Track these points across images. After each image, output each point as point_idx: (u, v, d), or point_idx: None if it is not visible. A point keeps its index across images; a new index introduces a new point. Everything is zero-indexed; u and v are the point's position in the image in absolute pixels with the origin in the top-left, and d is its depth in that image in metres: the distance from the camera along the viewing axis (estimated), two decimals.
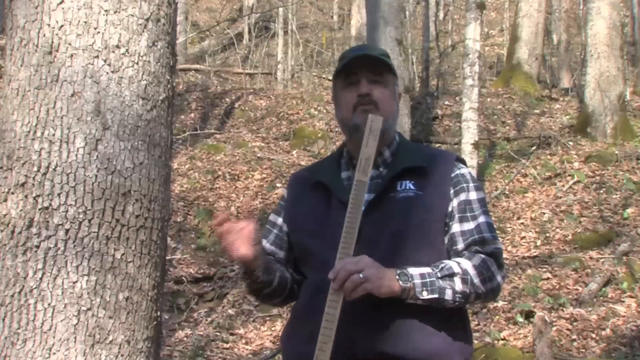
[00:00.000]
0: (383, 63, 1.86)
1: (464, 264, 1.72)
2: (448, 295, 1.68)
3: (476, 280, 1.71)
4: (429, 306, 1.70)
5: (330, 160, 1.97)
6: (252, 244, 1.76)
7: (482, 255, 1.75)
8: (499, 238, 1.88)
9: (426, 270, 1.69)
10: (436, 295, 1.67)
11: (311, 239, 1.85)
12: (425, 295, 1.66)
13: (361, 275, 1.60)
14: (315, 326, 1.64)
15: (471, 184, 1.83)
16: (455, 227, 1.79)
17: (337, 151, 1.98)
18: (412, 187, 1.80)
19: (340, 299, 1.61)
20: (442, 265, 1.71)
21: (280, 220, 1.98)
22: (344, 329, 1.64)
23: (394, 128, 1.92)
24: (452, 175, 1.83)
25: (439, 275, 1.68)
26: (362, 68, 1.83)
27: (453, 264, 1.71)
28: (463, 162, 1.91)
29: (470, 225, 1.78)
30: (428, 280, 1.67)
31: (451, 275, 1.69)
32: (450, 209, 1.80)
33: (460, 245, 1.78)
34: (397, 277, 1.65)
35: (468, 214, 1.79)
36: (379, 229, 1.76)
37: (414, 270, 1.67)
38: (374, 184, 1.83)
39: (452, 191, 1.81)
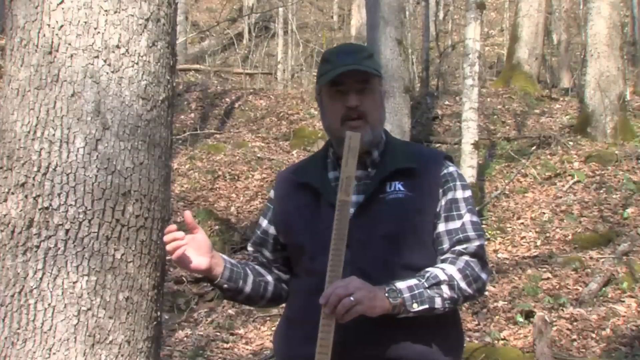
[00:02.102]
0: (372, 74, 1.83)
1: (449, 270, 1.73)
2: (438, 303, 1.69)
3: (462, 284, 1.72)
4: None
5: (316, 160, 1.95)
6: (204, 254, 1.82)
7: (466, 258, 1.76)
8: (493, 238, 1.90)
9: (413, 282, 1.69)
10: (426, 306, 1.67)
11: (302, 240, 1.84)
12: (415, 307, 1.66)
13: (352, 299, 1.59)
14: (311, 328, 1.64)
15: (458, 183, 1.84)
16: (441, 227, 1.80)
17: (322, 150, 1.96)
18: (401, 188, 1.80)
19: (332, 323, 1.61)
20: (428, 274, 1.71)
21: (265, 223, 1.98)
22: (338, 331, 1.64)
23: (382, 131, 1.91)
24: (441, 174, 1.84)
25: (426, 285, 1.69)
26: (349, 78, 1.80)
27: (438, 272, 1.72)
28: (451, 160, 1.91)
29: (456, 225, 1.79)
30: (417, 292, 1.67)
31: (438, 284, 1.70)
32: (438, 208, 1.81)
33: (446, 245, 1.79)
34: (386, 294, 1.65)
35: (454, 213, 1.80)
36: (369, 232, 1.76)
37: (401, 285, 1.67)
38: (363, 185, 1.83)
39: (440, 191, 1.82)
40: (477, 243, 1.78)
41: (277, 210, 1.95)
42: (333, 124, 1.84)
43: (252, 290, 1.91)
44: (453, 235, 1.79)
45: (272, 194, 2.01)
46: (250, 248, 2.00)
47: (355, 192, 1.80)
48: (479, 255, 1.78)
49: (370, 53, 1.91)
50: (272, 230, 1.96)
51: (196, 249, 1.84)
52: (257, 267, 1.97)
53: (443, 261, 1.77)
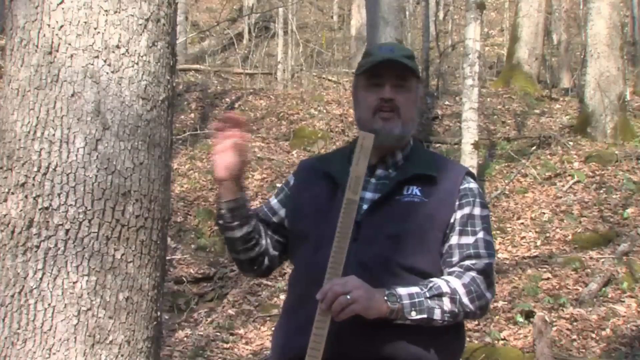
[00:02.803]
0: (409, 69, 1.84)
1: (453, 283, 1.72)
2: (437, 315, 1.68)
3: (465, 300, 1.71)
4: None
5: (341, 154, 1.95)
6: (230, 165, 1.81)
7: (472, 274, 1.74)
8: (495, 252, 1.88)
9: (414, 290, 1.68)
10: (425, 316, 1.67)
11: (308, 228, 1.84)
12: (413, 315, 1.66)
13: (348, 297, 1.60)
14: (305, 317, 1.66)
15: (478, 200, 1.83)
16: (454, 240, 1.79)
17: (349, 146, 1.97)
18: (418, 193, 1.80)
19: (328, 320, 1.62)
20: (431, 284, 1.70)
21: (275, 202, 1.99)
22: (334, 330, 1.64)
23: (411, 132, 1.90)
24: (461, 187, 1.83)
25: (427, 295, 1.68)
26: (388, 71, 1.82)
27: (442, 283, 1.71)
28: (473, 177, 1.90)
29: (469, 240, 1.78)
30: (417, 300, 1.66)
31: (440, 295, 1.69)
32: (452, 220, 1.80)
33: (455, 258, 1.78)
34: (385, 297, 1.64)
35: (469, 228, 1.79)
36: (377, 230, 1.77)
37: (402, 291, 1.67)
38: (381, 185, 1.84)
39: (457, 203, 1.81)
40: (486, 261, 1.77)
41: (293, 194, 1.95)
42: (364, 115, 1.85)
43: (243, 237, 1.89)
44: (464, 250, 1.77)
45: (290, 178, 2.01)
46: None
47: (372, 190, 1.82)
48: (487, 273, 1.77)
49: (412, 54, 1.91)
50: (282, 212, 1.97)
51: (230, 149, 1.82)
52: (260, 224, 1.95)
53: (450, 274, 1.76)
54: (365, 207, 1.79)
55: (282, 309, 1.96)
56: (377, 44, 1.99)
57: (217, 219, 1.90)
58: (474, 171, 7.58)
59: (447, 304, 1.69)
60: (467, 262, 1.76)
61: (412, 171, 1.83)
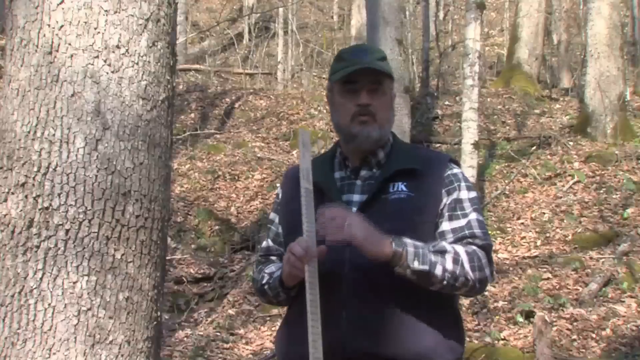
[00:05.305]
0: (384, 73, 1.85)
1: (457, 248, 1.75)
2: (438, 270, 1.70)
3: (467, 265, 1.73)
4: (419, 302, 1.72)
5: (323, 160, 1.97)
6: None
7: (474, 247, 1.77)
8: (493, 238, 1.91)
9: (419, 243, 1.71)
10: (426, 267, 1.68)
11: None
12: (416, 265, 1.68)
13: (347, 222, 1.66)
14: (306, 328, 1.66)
15: (463, 184, 1.85)
16: (445, 225, 1.81)
17: (330, 150, 1.99)
18: (404, 188, 1.81)
19: (316, 272, 1.67)
20: (435, 243, 1.74)
21: (277, 219, 2.00)
22: (335, 329, 1.65)
23: (389, 132, 1.93)
24: (445, 175, 1.85)
25: (431, 249, 1.71)
26: (363, 77, 1.83)
27: (446, 244, 1.74)
28: (456, 163, 1.92)
29: (460, 223, 1.80)
30: (420, 250, 1.69)
31: (443, 252, 1.72)
32: (441, 208, 1.82)
33: (450, 241, 1.79)
34: (391, 239, 1.68)
35: (459, 212, 1.81)
36: None
37: (408, 240, 1.70)
38: (367, 185, 1.85)
39: (443, 191, 1.83)
40: (485, 241, 1.79)
41: (283, 210, 1.96)
42: (342, 121, 1.87)
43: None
44: (458, 232, 1.79)
45: (279, 191, 2.02)
46: (268, 242, 2.01)
47: (359, 192, 1.84)
48: (487, 250, 1.78)
49: (384, 55, 1.92)
50: (280, 229, 1.98)
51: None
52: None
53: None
54: (354, 210, 1.80)
55: (284, 317, 1.97)
56: (348, 47, 2.01)
57: (285, 298, 1.91)
58: (474, 171, 7.59)
59: (449, 262, 1.71)
60: (465, 241, 1.78)
61: (395, 167, 1.84)
